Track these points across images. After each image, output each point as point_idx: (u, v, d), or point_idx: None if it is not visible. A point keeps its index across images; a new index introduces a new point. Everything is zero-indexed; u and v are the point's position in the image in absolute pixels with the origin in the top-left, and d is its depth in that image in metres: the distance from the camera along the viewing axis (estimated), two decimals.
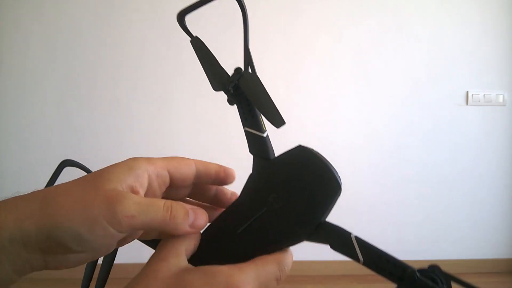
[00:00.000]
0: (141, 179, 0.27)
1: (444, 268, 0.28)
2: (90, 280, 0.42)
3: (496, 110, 2.01)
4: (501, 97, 1.99)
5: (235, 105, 0.36)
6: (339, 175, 0.31)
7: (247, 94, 0.34)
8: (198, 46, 0.38)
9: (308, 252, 2.06)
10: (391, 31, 1.97)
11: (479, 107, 2.00)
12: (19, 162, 1.95)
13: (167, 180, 0.29)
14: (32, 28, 1.91)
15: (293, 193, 0.30)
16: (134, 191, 0.26)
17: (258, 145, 0.33)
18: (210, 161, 0.33)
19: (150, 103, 1.95)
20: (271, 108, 0.34)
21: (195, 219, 0.27)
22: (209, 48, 0.38)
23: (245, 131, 0.34)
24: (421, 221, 2.00)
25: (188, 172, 0.31)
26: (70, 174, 0.34)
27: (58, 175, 0.38)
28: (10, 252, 0.23)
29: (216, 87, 0.36)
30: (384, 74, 1.98)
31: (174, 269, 0.26)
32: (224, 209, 0.33)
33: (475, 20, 1.98)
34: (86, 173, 0.33)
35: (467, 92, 1.99)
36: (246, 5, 0.38)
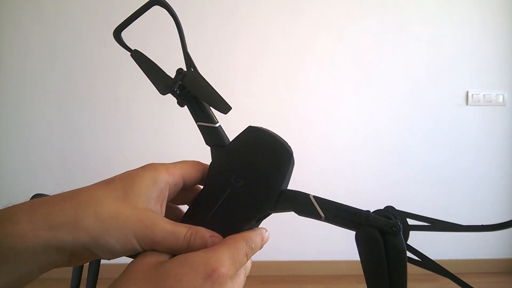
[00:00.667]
0: (164, 192, 0.30)
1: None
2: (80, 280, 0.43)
3: (496, 110, 2.01)
4: (501, 97, 1.99)
5: (185, 107, 0.38)
6: (290, 145, 0.33)
7: (192, 90, 0.36)
8: (139, 58, 0.40)
9: (308, 252, 2.06)
10: (391, 31, 1.97)
11: (479, 107, 2.00)
12: (19, 162, 1.95)
13: (181, 186, 0.32)
14: (32, 28, 1.91)
15: (251, 169, 0.32)
16: (158, 203, 0.30)
17: (213, 136, 0.36)
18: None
19: (150, 103, 1.95)
20: (216, 97, 0.36)
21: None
22: (149, 57, 0.40)
23: (199, 126, 0.36)
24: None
25: (198, 176, 0.33)
26: None
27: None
28: (41, 257, 0.25)
29: (162, 91, 0.37)
30: (384, 74, 1.98)
31: (154, 262, 0.27)
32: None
33: (475, 20, 1.98)
34: None
35: (467, 92, 1.99)
36: (180, 11, 0.40)
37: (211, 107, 0.37)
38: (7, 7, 1.89)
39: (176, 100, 0.38)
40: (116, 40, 0.40)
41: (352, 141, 2.00)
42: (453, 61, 1.99)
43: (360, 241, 0.30)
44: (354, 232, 0.31)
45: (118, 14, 2.05)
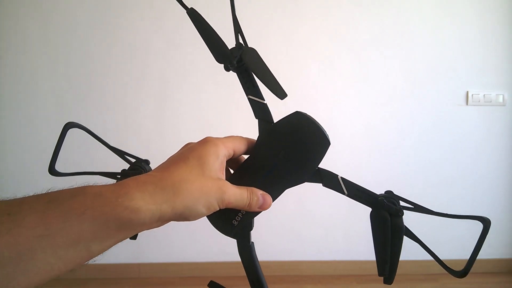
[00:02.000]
0: (223, 163, 0.38)
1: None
2: None
3: (496, 110, 2.01)
4: (501, 97, 1.99)
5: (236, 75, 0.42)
6: (328, 134, 0.40)
7: (251, 68, 0.41)
8: (195, 17, 0.41)
9: (308, 252, 2.06)
10: (391, 31, 1.97)
11: (479, 107, 2.00)
12: (19, 162, 1.95)
13: (231, 156, 0.40)
14: (32, 28, 1.90)
15: (296, 147, 0.40)
16: (221, 172, 0.38)
17: (262, 111, 0.42)
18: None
19: (151, 102, 1.95)
20: (275, 82, 0.42)
21: (263, 203, 0.39)
22: (205, 19, 0.41)
23: (249, 99, 0.42)
24: (421, 221, 2.00)
25: (244, 149, 0.41)
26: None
27: (64, 138, 0.48)
28: (147, 225, 0.32)
29: (220, 60, 0.41)
30: (384, 74, 1.98)
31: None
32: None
33: (475, 20, 1.98)
34: (90, 136, 0.49)
35: (467, 92, 1.99)
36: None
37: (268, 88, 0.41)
38: (7, 7, 1.89)
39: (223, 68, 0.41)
40: None
41: (352, 140, 2.00)
42: (453, 61, 1.99)
43: (374, 218, 0.40)
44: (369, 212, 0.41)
45: (118, 14, 2.05)
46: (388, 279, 0.41)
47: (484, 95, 1.99)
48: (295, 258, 2.04)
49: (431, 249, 0.41)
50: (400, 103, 2.00)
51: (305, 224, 2.02)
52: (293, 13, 1.94)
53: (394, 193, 0.41)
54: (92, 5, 1.92)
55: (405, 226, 0.40)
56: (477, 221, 0.41)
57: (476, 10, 1.97)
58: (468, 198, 2.04)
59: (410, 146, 2.01)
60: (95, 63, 1.94)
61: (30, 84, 1.93)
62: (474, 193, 2.04)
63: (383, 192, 0.41)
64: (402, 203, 0.41)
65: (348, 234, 1.98)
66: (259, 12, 1.93)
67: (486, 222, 0.41)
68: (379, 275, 0.41)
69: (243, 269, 0.44)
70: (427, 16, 1.98)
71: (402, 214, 0.40)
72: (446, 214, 0.43)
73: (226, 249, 1.92)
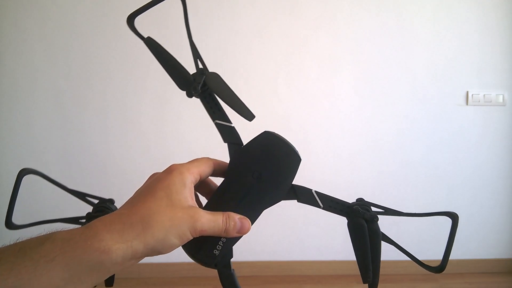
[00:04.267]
0: (192, 189, 0.37)
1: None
2: None
3: (496, 110, 2.01)
4: (501, 97, 1.99)
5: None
6: (297, 149, 0.41)
7: (216, 92, 0.41)
8: (153, 46, 0.41)
9: (308, 252, 2.06)
10: (391, 31, 1.97)
11: (479, 107, 2.00)
12: (18, 162, 1.95)
13: (198, 180, 0.39)
14: (32, 28, 1.90)
15: (269, 168, 0.40)
16: (192, 199, 0.37)
17: (231, 134, 0.42)
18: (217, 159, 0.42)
19: (151, 102, 1.95)
20: (241, 104, 0.41)
21: (241, 228, 0.38)
22: (164, 47, 0.41)
23: (216, 124, 0.42)
24: (421, 221, 2.00)
25: (210, 171, 0.41)
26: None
27: (19, 186, 0.47)
28: (119, 264, 0.31)
29: (182, 87, 0.41)
30: (384, 74, 1.98)
31: None
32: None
33: (475, 20, 1.98)
34: (46, 180, 0.44)
35: (467, 92, 1.99)
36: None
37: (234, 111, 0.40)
38: (7, 7, 1.89)
39: (185, 93, 0.41)
40: (129, 26, 0.41)
41: (352, 141, 2.00)
42: (453, 61, 1.99)
43: (351, 227, 0.42)
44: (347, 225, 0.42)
45: (118, 14, 2.05)
46: (373, 285, 0.41)
47: (484, 95, 1.99)
48: (295, 258, 2.03)
49: (407, 250, 0.42)
50: (400, 103, 2.00)
51: (305, 224, 2.02)
52: (293, 13, 1.94)
53: (365, 199, 0.43)
54: (92, 4, 1.92)
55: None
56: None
57: (476, 10, 1.97)
58: (468, 198, 2.04)
59: (410, 146, 2.01)
60: (95, 63, 1.94)
61: (30, 84, 1.93)
62: (474, 193, 2.04)
63: (355, 201, 0.43)
64: (373, 209, 0.42)
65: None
66: (259, 12, 1.93)
67: (454, 217, 0.42)
68: (364, 282, 0.41)
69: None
70: (427, 16, 1.97)
71: (377, 219, 0.41)
72: (415, 213, 0.44)
73: None
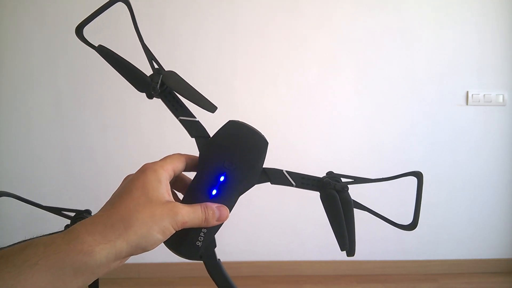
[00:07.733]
0: (167, 185, 0.38)
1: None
2: None
3: (496, 110, 2.01)
4: (501, 97, 2.00)
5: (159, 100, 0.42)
6: (263, 134, 0.42)
7: (175, 90, 0.42)
8: (106, 54, 0.42)
9: (308, 252, 2.06)
10: (391, 31, 1.97)
11: (479, 107, 2.00)
12: (19, 162, 1.95)
13: (172, 176, 0.40)
14: (32, 29, 1.90)
15: (238, 155, 0.41)
16: (168, 194, 0.37)
17: (197, 128, 0.43)
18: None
19: (152, 102, 1.95)
20: (202, 98, 0.42)
21: (220, 215, 0.39)
22: (117, 53, 0.42)
23: (180, 120, 0.43)
24: (421, 221, 1.99)
25: (183, 166, 0.41)
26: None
27: None
28: (104, 265, 0.31)
29: (141, 89, 0.42)
30: (384, 74, 1.98)
31: None
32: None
33: (475, 20, 1.98)
34: (20, 201, 0.43)
35: (467, 92, 1.99)
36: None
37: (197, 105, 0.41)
38: (7, 7, 1.89)
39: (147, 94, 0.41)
40: (78, 37, 0.42)
41: (352, 141, 2.00)
42: (453, 61, 1.99)
43: (324, 199, 0.43)
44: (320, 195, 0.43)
45: (118, 14, 2.05)
46: (350, 252, 0.43)
47: (484, 95, 1.99)
48: (295, 258, 2.03)
49: (379, 213, 0.45)
50: (400, 102, 2.00)
51: (305, 224, 2.02)
52: (293, 13, 1.94)
53: (335, 172, 0.45)
54: (92, 4, 1.91)
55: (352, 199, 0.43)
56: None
57: (476, 11, 1.97)
58: (468, 198, 2.04)
59: (410, 146, 2.01)
60: (95, 62, 1.94)
61: (30, 84, 1.93)
62: (474, 193, 2.04)
63: (325, 174, 0.44)
64: (343, 180, 0.44)
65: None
66: (259, 12, 1.93)
67: (419, 176, 0.47)
68: (341, 249, 0.43)
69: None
70: (427, 16, 1.98)
71: (347, 189, 0.43)
72: (382, 178, 0.48)
73: (225, 248, 1.92)
